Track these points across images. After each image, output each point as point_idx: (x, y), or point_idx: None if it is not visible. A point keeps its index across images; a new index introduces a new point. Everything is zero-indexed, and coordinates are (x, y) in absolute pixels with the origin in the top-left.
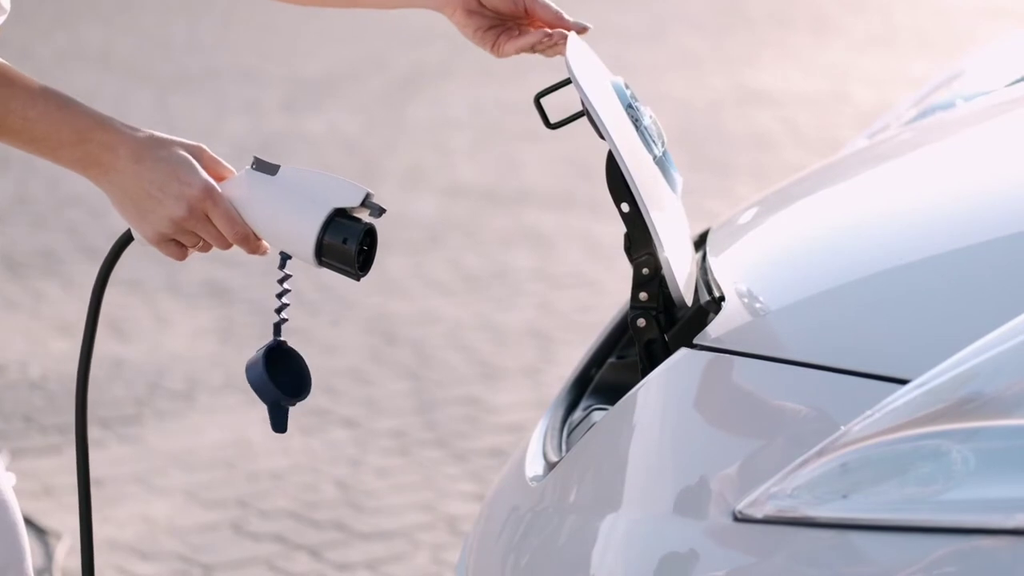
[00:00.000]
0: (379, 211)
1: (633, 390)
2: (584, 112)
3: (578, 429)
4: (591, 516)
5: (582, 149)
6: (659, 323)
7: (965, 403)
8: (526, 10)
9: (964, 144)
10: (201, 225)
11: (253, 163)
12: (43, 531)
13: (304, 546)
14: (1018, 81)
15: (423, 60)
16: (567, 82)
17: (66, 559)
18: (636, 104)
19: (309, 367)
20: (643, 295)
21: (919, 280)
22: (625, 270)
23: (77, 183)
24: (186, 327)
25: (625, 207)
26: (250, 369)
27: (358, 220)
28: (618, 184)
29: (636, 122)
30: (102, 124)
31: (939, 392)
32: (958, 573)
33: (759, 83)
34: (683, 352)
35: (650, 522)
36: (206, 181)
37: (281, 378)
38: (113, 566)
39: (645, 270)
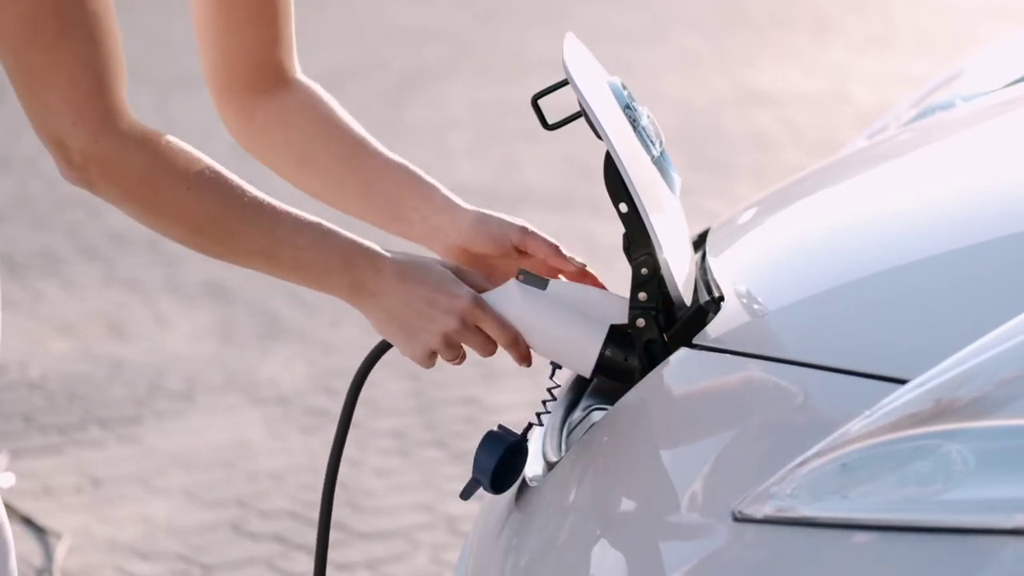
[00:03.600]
0: None
1: (633, 390)
2: (582, 113)
3: (578, 429)
4: (591, 516)
5: (582, 149)
6: (658, 323)
7: (965, 403)
8: (516, 248)
9: (964, 144)
10: (470, 335)
11: (520, 276)
12: (43, 531)
13: (304, 546)
14: (1018, 81)
15: (423, 60)
16: (564, 83)
17: (66, 559)
18: (634, 104)
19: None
20: (642, 295)
21: (919, 280)
22: (625, 270)
23: None
24: (186, 327)
25: (623, 207)
26: (487, 452)
27: (628, 334)
28: (616, 184)
29: (634, 122)
30: (365, 248)
31: (939, 392)
32: (958, 573)
33: (759, 83)
34: (682, 352)
35: (649, 522)
36: (472, 291)
37: (502, 465)
38: (113, 566)
39: (644, 270)
